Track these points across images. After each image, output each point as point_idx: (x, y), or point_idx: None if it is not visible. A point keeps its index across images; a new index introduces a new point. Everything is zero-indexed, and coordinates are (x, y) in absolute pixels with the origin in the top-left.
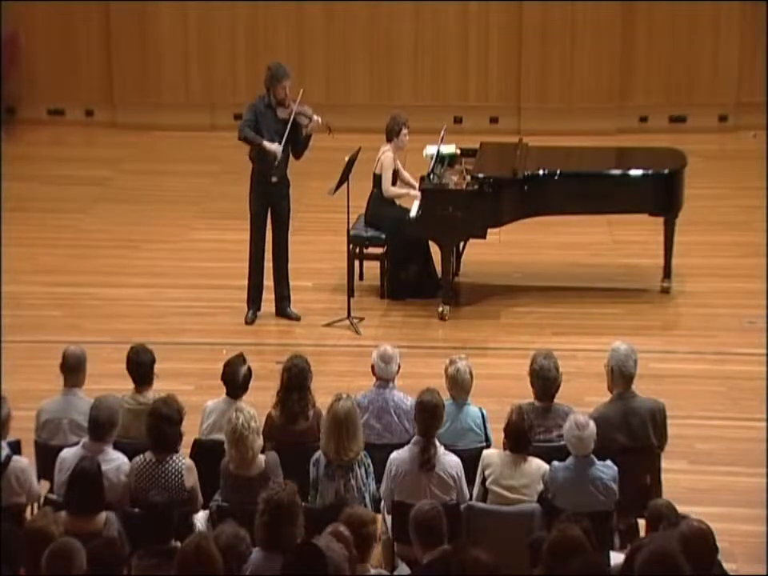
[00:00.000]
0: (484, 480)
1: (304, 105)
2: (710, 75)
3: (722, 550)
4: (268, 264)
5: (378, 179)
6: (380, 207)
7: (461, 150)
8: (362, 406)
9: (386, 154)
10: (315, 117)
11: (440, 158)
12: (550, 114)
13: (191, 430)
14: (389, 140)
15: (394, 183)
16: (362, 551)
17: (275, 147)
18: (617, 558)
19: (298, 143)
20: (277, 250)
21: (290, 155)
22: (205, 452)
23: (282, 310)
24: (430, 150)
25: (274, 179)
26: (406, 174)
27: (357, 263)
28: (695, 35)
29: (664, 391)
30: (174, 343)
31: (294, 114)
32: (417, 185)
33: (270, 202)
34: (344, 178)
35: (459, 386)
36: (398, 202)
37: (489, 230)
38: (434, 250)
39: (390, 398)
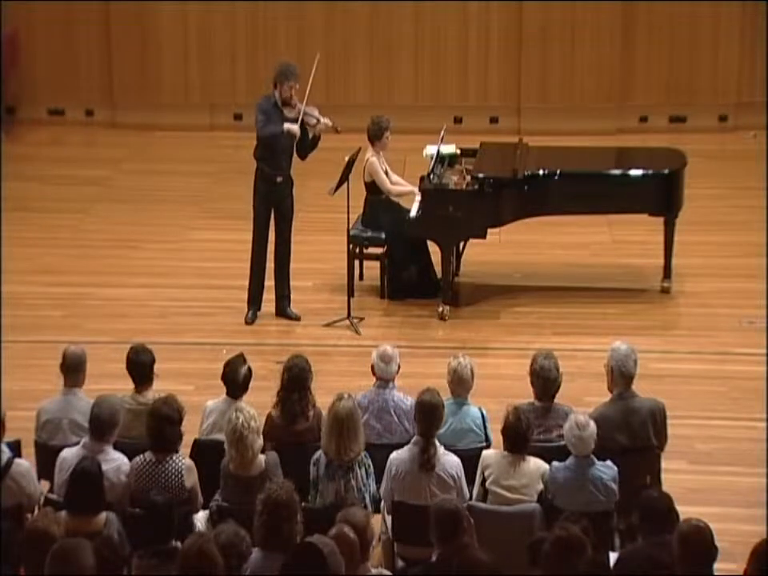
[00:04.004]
0: (484, 480)
1: (311, 106)
2: (710, 75)
3: (721, 550)
4: (269, 264)
5: (370, 186)
6: (378, 209)
7: (461, 150)
8: (362, 405)
9: (371, 160)
10: (323, 119)
11: (440, 158)
12: (550, 114)
13: (191, 430)
14: (371, 144)
15: None
16: (360, 551)
17: (295, 128)
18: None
19: (304, 144)
20: (279, 250)
21: (295, 155)
22: (205, 452)
23: (282, 309)
24: (430, 149)
25: (278, 179)
26: (395, 176)
27: (357, 263)
28: (695, 35)
29: (664, 391)
30: (174, 343)
31: (301, 114)
32: (406, 184)
33: (273, 201)
34: (344, 178)
35: (458, 380)
36: (397, 200)
37: (489, 230)
38: (434, 250)
39: (390, 398)
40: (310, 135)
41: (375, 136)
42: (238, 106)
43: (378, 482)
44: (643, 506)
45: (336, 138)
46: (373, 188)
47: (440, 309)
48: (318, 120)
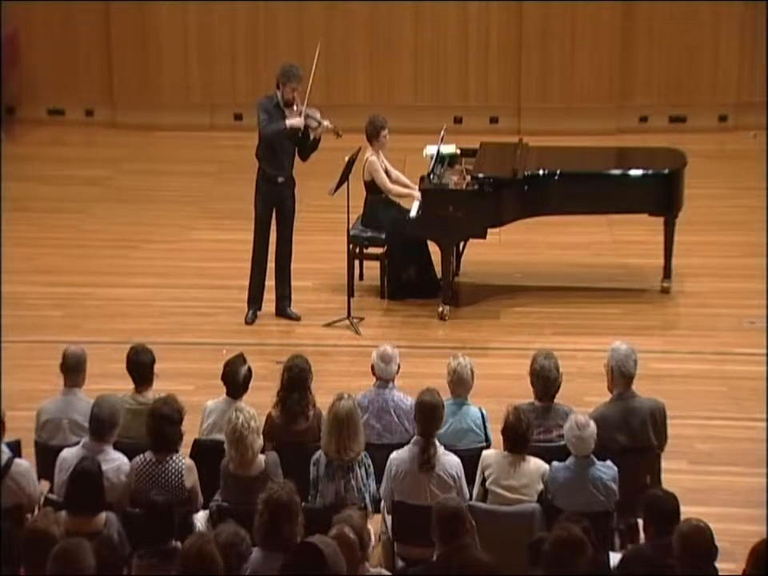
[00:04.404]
0: (484, 480)
1: (312, 108)
2: (710, 75)
3: (721, 550)
4: (270, 264)
5: (370, 185)
6: (378, 209)
7: (461, 150)
8: (362, 406)
9: (370, 159)
10: (324, 122)
11: (440, 158)
12: (550, 114)
13: (191, 430)
14: (369, 143)
15: None
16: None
17: (297, 121)
18: (617, 558)
19: (305, 146)
20: (280, 250)
21: (296, 156)
22: (205, 452)
23: (282, 309)
24: (430, 149)
25: (280, 179)
26: (396, 172)
27: (357, 263)
28: (695, 35)
29: (664, 391)
30: (174, 343)
31: (303, 115)
32: (408, 181)
33: (275, 201)
34: (344, 177)
35: (458, 380)
36: (397, 200)
37: (489, 230)
38: (434, 250)
39: (390, 398)
40: (311, 137)
41: (372, 135)
42: (238, 105)
43: (378, 482)
44: (648, 505)
45: (337, 138)
46: (372, 187)
47: (440, 309)
48: (320, 123)
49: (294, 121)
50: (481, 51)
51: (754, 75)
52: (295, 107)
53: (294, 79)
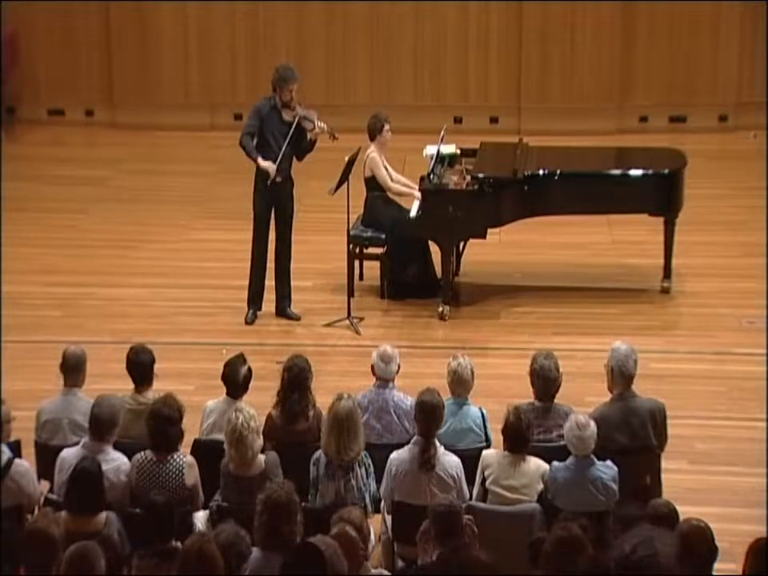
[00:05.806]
0: (484, 480)
1: (309, 109)
2: (710, 75)
3: (721, 550)
4: (270, 264)
5: (370, 182)
6: (378, 208)
7: (461, 150)
8: (362, 405)
9: (371, 156)
10: (320, 123)
11: (440, 158)
12: (550, 114)
13: (191, 430)
14: (372, 139)
15: None
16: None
17: (268, 165)
18: None
19: (301, 147)
20: (280, 250)
21: (293, 156)
22: (205, 452)
23: (282, 310)
24: (430, 150)
25: (278, 179)
26: (396, 175)
27: (357, 263)
28: (695, 35)
29: (664, 391)
30: (174, 343)
31: (298, 117)
32: (408, 182)
33: (274, 201)
34: (344, 177)
35: (458, 381)
36: (397, 200)
37: (489, 230)
38: (434, 250)
39: (390, 398)
40: (307, 138)
41: (375, 129)
42: (238, 106)
43: (378, 481)
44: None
45: (331, 140)
46: (372, 184)
47: (440, 309)
48: (314, 124)
49: (265, 164)
50: (481, 51)
51: (754, 75)
52: (293, 108)
53: (291, 80)
